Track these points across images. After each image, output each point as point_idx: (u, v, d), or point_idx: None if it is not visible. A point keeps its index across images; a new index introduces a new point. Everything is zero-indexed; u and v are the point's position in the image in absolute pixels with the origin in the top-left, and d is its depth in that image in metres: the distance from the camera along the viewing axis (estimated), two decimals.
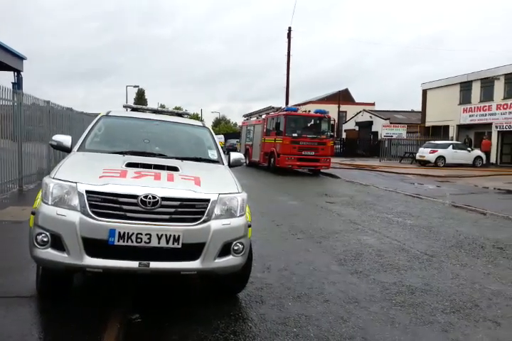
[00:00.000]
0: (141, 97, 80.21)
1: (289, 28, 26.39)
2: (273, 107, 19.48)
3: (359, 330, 3.08)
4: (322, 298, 3.70)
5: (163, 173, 3.24)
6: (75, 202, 2.85)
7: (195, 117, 77.42)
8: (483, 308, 3.55)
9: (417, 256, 5.13)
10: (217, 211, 3.04)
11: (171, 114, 5.42)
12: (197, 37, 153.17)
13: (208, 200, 3.01)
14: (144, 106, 5.47)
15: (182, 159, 3.89)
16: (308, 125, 17.12)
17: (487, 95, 26.18)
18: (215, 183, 3.39)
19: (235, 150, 28.89)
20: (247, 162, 21.14)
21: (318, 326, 3.13)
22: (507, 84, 24.84)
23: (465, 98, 27.94)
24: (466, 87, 27.89)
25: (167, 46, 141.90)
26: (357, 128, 41.28)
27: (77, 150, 3.91)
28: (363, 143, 37.54)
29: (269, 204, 9.16)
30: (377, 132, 34.34)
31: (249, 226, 3.33)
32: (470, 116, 27.35)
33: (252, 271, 4.05)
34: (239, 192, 3.29)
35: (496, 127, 25.15)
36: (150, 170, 3.29)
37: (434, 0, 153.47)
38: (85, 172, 3.22)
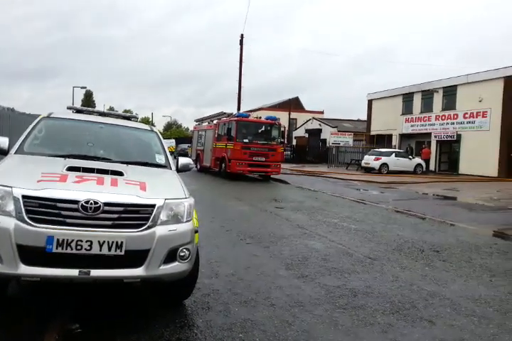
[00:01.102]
0: (88, 99, 77.45)
1: (242, 35, 26.63)
2: (224, 113, 19.51)
3: (303, 333, 3.13)
4: (268, 302, 3.73)
5: (107, 178, 3.14)
6: (10, 207, 2.69)
7: (146, 121, 75.83)
8: (420, 309, 3.73)
9: (361, 259, 5.31)
10: (163, 217, 2.98)
11: (118, 116, 5.28)
12: (152, 40, 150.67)
13: (153, 206, 2.95)
14: (89, 108, 5.28)
15: (127, 163, 3.79)
16: (259, 131, 17.30)
17: (427, 106, 27.76)
18: (162, 188, 3.34)
19: (186, 154, 28.58)
20: (199, 167, 21.01)
21: (264, 330, 3.15)
22: (445, 96, 26.48)
23: (407, 109, 29.44)
24: (408, 98, 29.42)
25: (120, 48, 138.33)
26: (307, 135, 42.24)
27: (15, 153, 3.71)
28: (313, 150, 38.47)
29: (219, 210, 9.13)
30: (325, 139, 35.35)
31: (196, 231, 3.29)
32: (411, 125, 28.85)
33: (200, 277, 4.01)
34: (186, 198, 3.25)
35: (435, 137, 26.69)
36: (92, 174, 3.18)
37: (383, 14, 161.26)
38: (22, 176, 3.05)
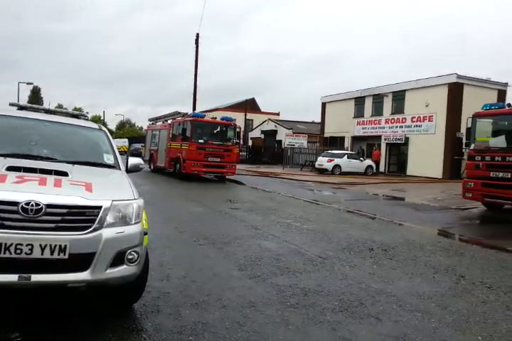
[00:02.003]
0: (36, 96, 73.86)
1: (197, 34, 26.41)
2: (179, 112, 19.26)
3: (254, 334, 3.14)
4: (220, 304, 3.71)
5: (50, 178, 3.00)
6: None
7: (97, 119, 73.33)
8: (367, 306, 3.85)
9: (312, 259, 5.41)
10: (110, 219, 2.89)
11: (66, 114, 5.06)
12: (106, 36, 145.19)
13: (99, 207, 2.85)
14: (34, 105, 5.03)
15: (73, 163, 3.64)
16: (215, 132, 17.22)
17: (377, 110, 28.80)
18: (109, 189, 3.23)
19: (139, 154, 27.91)
20: (152, 167, 20.61)
21: (215, 332, 3.13)
22: (394, 101, 27.59)
23: (359, 112, 30.40)
24: (360, 101, 30.39)
25: (73, 44, 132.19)
26: (262, 136, 42.51)
27: None
28: (268, 151, 38.78)
29: (173, 211, 8.99)
30: (281, 141, 35.75)
31: (146, 234, 3.21)
32: (363, 128, 29.82)
33: (150, 280, 3.93)
34: (135, 199, 3.17)
35: (385, 139, 27.75)
36: (35, 174, 3.03)
37: (338, 19, 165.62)
38: None
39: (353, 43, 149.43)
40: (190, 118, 16.86)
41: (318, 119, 36.15)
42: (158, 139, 20.43)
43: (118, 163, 4.11)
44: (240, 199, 11.70)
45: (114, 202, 2.95)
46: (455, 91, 23.64)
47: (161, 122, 21.46)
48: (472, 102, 19.44)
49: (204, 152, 16.14)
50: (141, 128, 77.67)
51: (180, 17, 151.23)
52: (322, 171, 24.15)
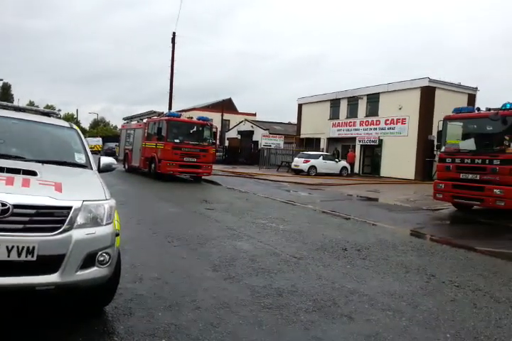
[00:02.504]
0: (6, 93, 71.55)
1: (174, 33, 26.19)
2: (155, 111, 19.03)
3: (228, 335, 3.13)
4: (194, 305, 3.68)
5: (18, 178, 2.90)
6: None
7: (70, 118, 71.69)
8: (340, 305, 3.89)
9: (287, 259, 5.43)
10: (80, 219, 2.82)
11: (37, 112, 4.92)
12: (81, 34, 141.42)
13: (69, 208, 2.78)
14: (2, 103, 4.86)
15: (43, 162, 3.54)
16: (191, 131, 17.09)
17: (352, 112, 29.23)
18: (80, 189, 3.15)
19: (113, 154, 27.45)
20: (127, 167, 20.31)
21: (188, 334, 3.10)
22: (368, 103, 28.07)
23: (334, 114, 30.78)
24: (335, 104, 30.77)
25: (48, 41, 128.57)
26: (239, 136, 42.50)
27: None
28: (245, 152, 38.77)
29: (147, 212, 8.87)
30: (257, 141, 35.81)
31: (118, 235, 3.15)
32: (338, 130, 30.20)
33: (123, 282, 3.86)
34: (106, 199, 3.10)
35: (359, 141, 28.19)
36: (1, 173, 2.93)
37: (315, 23, 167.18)
38: None
39: (331, 46, 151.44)
40: (166, 118, 16.69)
41: (295, 120, 36.40)
42: (132, 138, 20.13)
43: (90, 162, 4.02)
44: (216, 199, 11.65)
45: (84, 203, 2.88)
46: (427, 94, 24.24)
47: (136, 121, 21.16)
48: (443, 106, 19.97)
49: (180, 152, 16.01)
50: (116, 127, 76.43)
51: (158, 15, 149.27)
52: (298, 172, 24.32)
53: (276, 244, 6.26)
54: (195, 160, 16.40)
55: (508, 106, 9.56)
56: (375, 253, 6.05)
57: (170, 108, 26.26)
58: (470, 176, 9.87)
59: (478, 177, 9.67)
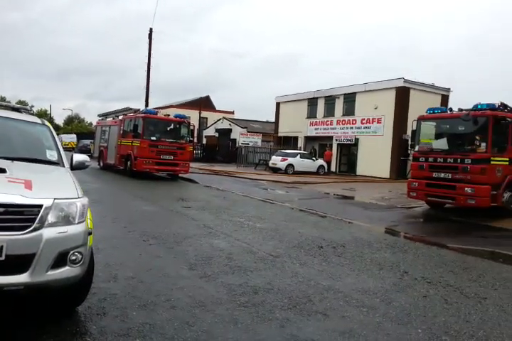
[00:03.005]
0: None
1: (151, 28, 25.82)
2: (131, 108, 18.84)
3: (203, 334, 3.11)
4: (169, 304, 3.64)
5: None
6: None
7: (43, 114, 69.87)
8: (315, 303, 3.93)
9: (263, 257, 5.45)
10: (51, 218, 2.75)
11: (7, 107, 4.77)
12: (56, 28, 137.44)
13: (39, 206, 2.71)
14: None
15: (12, 159, 3.43)
16: (168, 129, 16.91)
17: (329, 111, 29.51)
18: (51, 187, 3.08)
19: (88, 151, 26.94)
20: (102, 164, 19.96)
21: (163, 333, 3.07)
22: (345, 102, 28.38)
23: (311, 113, 31.01)
24: (312, 102, 31.00)
25: (18, 34, 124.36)
26: (217, 134, 42.30)
27: None
28: (222, 150, 38.64)
29: (122, 210, 8.73)
30: (235, 139, 35.75)
31: (90, 233, 3.09)
32: (315, 129, 30.45)
33: (96, 281, 3.80)
34: (79, 197, 3.03)
35: (336, 140, 28.49)
36: None
37: (294, 23, 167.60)
38: None
39: (310, 46, 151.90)
40: (142, 115, 16.47)
41: (273, 119, 36.49)
42: (108, 135, 19.80)
43: (62, 159, 3.92)
44: (193, 197, 11.58)
45: (56, 201, 2.81)
46: (402, 95, 24.69)
47: (112, 118, 20.83)
48: (418, 106, 20.37)
49: (156, 149, 15.83)
50: (91, 123, 74.99)
51: (136, 11, 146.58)
52: (276, 170, 24.40)
53: (253, 242, 6.27)
54: (172, 157, 16.25)
55: (479, 107, 9.83)
56: (351, 251, 6.13)
57: (146, 105, 25.88)
58: (442, 175, 10.11)
59: (450, 176, 9.92)
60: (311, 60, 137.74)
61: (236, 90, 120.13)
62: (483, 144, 9.50)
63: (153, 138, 15.96)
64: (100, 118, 23.01)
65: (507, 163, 9.67)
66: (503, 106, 10.25)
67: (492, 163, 9.40)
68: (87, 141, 34.57)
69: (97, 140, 21.67)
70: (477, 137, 9.65)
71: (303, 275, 4.75)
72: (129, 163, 16.51)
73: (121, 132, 17.87)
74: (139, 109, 18.28)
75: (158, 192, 12.54)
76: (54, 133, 4.31)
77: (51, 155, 3.94)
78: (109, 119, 21.06)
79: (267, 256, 5.49)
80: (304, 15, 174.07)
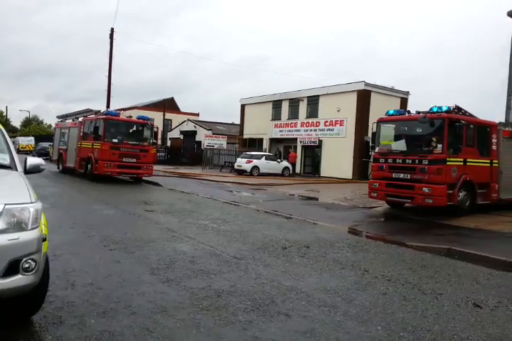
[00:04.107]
0: None
1: (112, 28, 25.25)
2: (91, 110, 18.26)
3: (164, 339, 3.07)
4: (129, 310, 3.56)
5: None
6: None
7: None
8: (278, 303, 3.95)
9: (227, 259, 5.43)
10: (1, 224, 2.63)
11: None
12: (14, 27, 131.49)
13: None
14: None
15: None
16: (130, 131, 16.60)
17: (294, 113, 29.85)
18: (2, 192, 2.94)
19: (47, 154, 26.02)
20: (61, 168, 19.34)
21: None
22: (309, 105, 28.79)
23: (276, 115, 31.26)
24: (277, 105, 31.25)
25: None
26: (182, 137, 41.89)
27: None
28: (187, 152, 38.27)
29: (81, 215, 8.47)
30: (200, 141, 35.50)
31: (45, 240, 2.98)
32: (280, 131, 30.71)
33: (53, 289, 3.68)
34: (32, 202, 2.92)
35: (300, 142, 28.85)
36: None
37: (260, 26, 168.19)
38: None
39: (275, 50, 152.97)
40: (103, 117, 16.07)
41: (238, 121, 36.50)
42: (67, 138, 19.18)
43: (14, 163, 3.76)
44: (156, 201, 11.40)
45: (7, 206, 2.69)
46: (363, 98, 25.32)
47: (72, 120, 20.17)
48: (378, 108, 20.96)
49: (118, 152, 15.48)
50: (51, 126, 72.34)
51: (100, 12, 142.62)
52: (241, 172, 24.41)
53: (217, 245, 6.24)
54: (135, 160, 15.93)
55: (434, 109, 10.22)
56: (314, 251, 6.22)
57: (108, 106, 25.27)
58: (401, 175, 10.44)
59: (408, 176, 10.25)
60: (277, 63, 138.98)
61: (202, 92, 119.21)
62: (440, 145, 9.88)
63: (115, 140, 15.60)
64: (59, 120, 22.21)
65: (461, 163, 10.11)
66: (458, 109, 10.72)
67: (448, 163, 9.80)
68: (45, 144, 33.36)
69: (56, 142, 20.96)
70: (433, 139, 10.02)
71: (266, 277, 4.77)
72: (89, 166, 16.07)
73: (82, 134, 17.37)
74: (99, 111, 17.78)
75: (120, 196, 12.25)
76: (6, 135, 4.12)
77: (3, 158, 3.77)
78: (69, 121, 20.38)
79: (230, 259, 5.47)
80: (271, 19, 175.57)
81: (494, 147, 11.10)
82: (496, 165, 11.11)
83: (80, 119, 18.48)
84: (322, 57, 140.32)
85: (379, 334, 3.39)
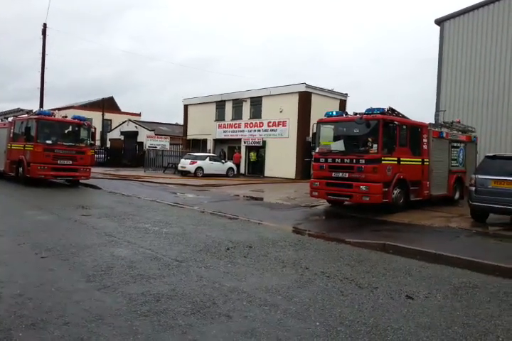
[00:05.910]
0: None
1: (44, 24, 23.92)
2: (22, 109, 17.16)
3: None
4: (62, 320, 3.38)
5: None
6: None
7: None
8: (219, 305, 3.93)
9: (168, 263, 5.32)
10: None
11: None
12: None
13: None
14: None
15: None
16: (66, 132, 15.80)
17: (237, 114, 29.93)
18: None
19: None
20: None
21: None
22: (252, 106, 29.01)
23: (220, 115, 31.18)
24: (220, 105, 31.18)
25: None
26: (122, 137, 40.58)
27: None
28: (129, 153, 37.19)
29: (12, 221, 7.95)
30: (142, 142, 34.61)
31: None
32: (224, 131, 30.67)
33: None
34: None
35: (244, 142, 28.99)
36: None
37: (207, 29, 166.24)
38: None
39: (221, 52, 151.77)
40: (36, 117, 15.16)
41: (182, 121, 35.99)
42: None
43: None
44: (94, 204, 10.94)
45: None
46: (304, 99, 25.93)
47: (0, 120, 18.83)
48: (319, 110, 21.50)
49: (52, 154, 14.68)
50: None
51: (37, 9, 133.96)
52: (185, 173, 24.08)
53: (158, 248, 6.09)
54: (71, 162, 15.19)
55: (370, 111, 10.69)
56: (256, 251, 6.26)
57: (41, 106, 23.90)
58: (340, 174, 10.80)
59: (347, 175, 10.63)
60: (223, 65, 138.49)
61: (145, 92, 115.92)
62: (375, 145, 10.34)
63: (49, 141, 14.78)
64: None
65: (395, 162, 10.64)
66: (392, 110, 11.28)
67: (383, 162, 10.28)
68: None
69: None
70: (369, 139, 10.47)
71: (208, 279, 4.73)
72: (21, 169, 15.09)
73: (12, 135, 16.27)
74: (31, 110, 16.75)
75: (55, 200, 11.62)
76: None
77: None
78: None
79: (171, 262, 5.37)
80: (218, 22, 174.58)
81: (425, 146, 11.81)
82: (427, 163, 11.83)
83: (10, 119, 17.31)
84: (268, 62, 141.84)
85: (318, 330, 3.48)
